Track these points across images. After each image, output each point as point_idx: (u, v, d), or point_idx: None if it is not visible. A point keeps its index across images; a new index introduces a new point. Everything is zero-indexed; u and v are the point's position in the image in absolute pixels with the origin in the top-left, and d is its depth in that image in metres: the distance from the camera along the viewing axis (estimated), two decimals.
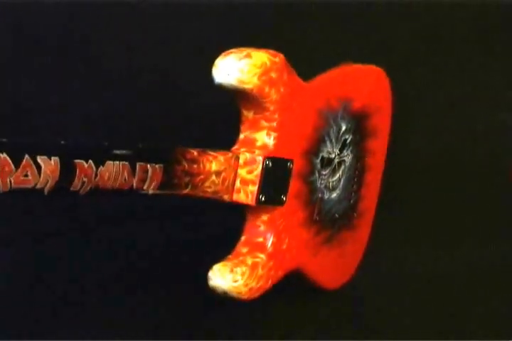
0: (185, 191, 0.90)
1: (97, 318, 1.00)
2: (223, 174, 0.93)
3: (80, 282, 1.07)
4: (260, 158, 0.94)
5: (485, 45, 1.18)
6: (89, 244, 1.17)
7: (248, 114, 0.95)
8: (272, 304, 1.03)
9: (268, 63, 0.91)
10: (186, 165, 0.89)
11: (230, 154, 0.94)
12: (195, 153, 0.90)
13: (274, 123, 0.95)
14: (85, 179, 0.78)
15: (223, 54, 0.91)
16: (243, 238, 0.99)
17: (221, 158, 0.93)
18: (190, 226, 1.25)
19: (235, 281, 0.93)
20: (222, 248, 1.02)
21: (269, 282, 0.97)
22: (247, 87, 0.90)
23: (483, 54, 1.19)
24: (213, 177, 0.92)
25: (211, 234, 1.21)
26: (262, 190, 0.94)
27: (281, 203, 0.97)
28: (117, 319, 1.00)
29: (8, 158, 0.72)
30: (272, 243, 0.98)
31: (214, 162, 0.92)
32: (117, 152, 0.82)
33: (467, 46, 1.19)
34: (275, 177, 0.96)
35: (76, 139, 0.80)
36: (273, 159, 0.95)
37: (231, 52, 0.91)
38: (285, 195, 0.98)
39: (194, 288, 1.04)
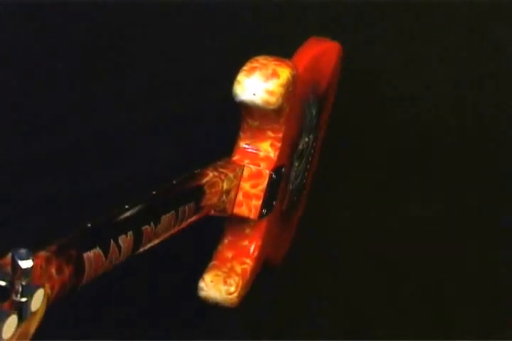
0: (202, 214, 0.85)
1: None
2: (231, 191, 0.89)
3: None
4: (267, 172, 0.90)
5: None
6: None
7: (253, 124, 0.90)
8: None
9: (290, 79, 0.86)
10: (208, 193, 0.84)
11: (238, 169, 0.89)
12: (211, 175, 0.85)
13: (280, 135, 0.91)
14: (148, 243, 0.72)
15: (247, 69, 0.84)
16: (226, 240, 0.96)
17: (231, 175, 0.88)
18: None
19: (230, 293, 0.92)
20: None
21: (251, 283, 0.97)
22: (272, 107, 0.85)
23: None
24: (224, 196, 0.88)
25: None
26: (264, 204, 0.91)
27: (273, 209, 0.95)
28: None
29: (101, 252, 0.64)
30: (257, 246, 0.96)
31: (225, 181, 0.87)
32: (165, 202, 0.76)
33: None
34: (274, 187, 0.93)
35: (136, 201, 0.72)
36: (275, 170, 0.92)
37: (256, 68, 0.84)
38: (276, 200, 0.95)
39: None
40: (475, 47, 1.28)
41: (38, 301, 0.51)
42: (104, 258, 0.64)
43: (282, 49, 1.19)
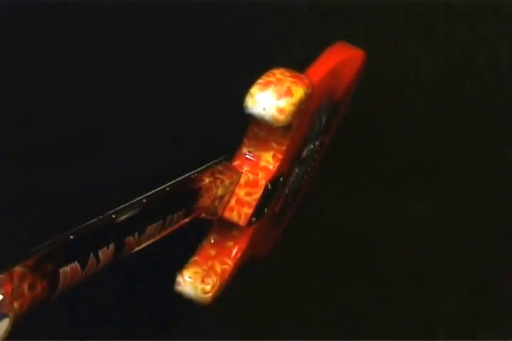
0: (191, 217, 0.85)
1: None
2: (225, 196, 0.89)
3: None
4: (263, 182, 0.90)
5: None
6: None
7: (259, 133, 0.90)
8: None
9: (304, 98, 0.85)
10: (201, 198, 0.84)
11: (235, 176, 0.89)
12: (207, 181, 0.85)
13: (284, 147, 0.91)
14: (128, 252, 0.73)
15: (261, 83, 0.84)
16: (212, 238, 0.96)
17: (227, 182, 0.88)
18: None
19: (205, 293, 0.93)
20: None
21: (227, 285, 0.98)
22: (280, 125, 0.84)
23: None
24: (216, 202, 0.88)
25: None
26: (255, 212, 0.92)
27: (263, 216, 0.95)
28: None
29: (78, 266, 0.65)
30: (240, 249, 0.96)
31: (220, 187, 0.87)
32: (155, 212, 0.76)
33: None
34: (268, 197, 0.93)
35: (122, 211, 0.72)
36: (272, 181, 0.92)
37: (270, 83, 0.84)
38: (268, 207, 0.96)
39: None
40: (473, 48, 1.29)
41: (1, 331, 0.52)
42: (80, 272, 0.65)
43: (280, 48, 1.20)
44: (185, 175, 0.84)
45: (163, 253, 1.00)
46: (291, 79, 0.84)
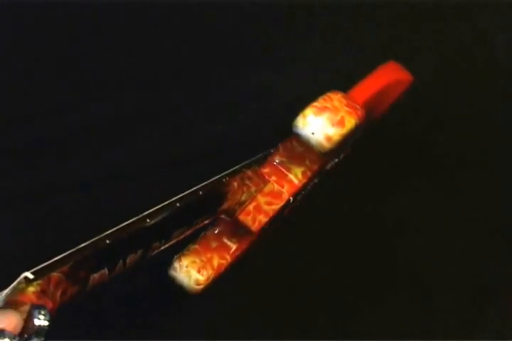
0: (211, 219, 0.86)
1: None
2: (246, 201, 0.89)
3: None
4: (286, 196, 0.91)
5: None
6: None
7: (297, 147, 0.90)
8: None
9: (353, 129, 0.85)
10: (225, 203, 0.84)
11: (262, 184, 0.89)
12: (235, 185, 0.85)
13: (316, 167, 0.91)
14: (150, 255, 0.73)
15: (317, 106, 0.83)
16: (217, 229, 0.96)
17: (253, 189, 0.88)
18: None
19: (198, 284, 0.93)
20: None
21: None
22: (323, 151, 0.84)
23: None
24: (237, 206, 0.88)
25: None
26: (270, 221, 0.92)
27: (274, 222, 0.96)
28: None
29: (107, 271, 0.66)
30: (241, 247, 0.97)
31: (246, 193, 0.87)
32: (184, 217, 0.77)
33: None
34: (285, 208, 0.94)
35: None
36: (294, 196, 0.92)
37: (326, 110, 0.83)
38: (281, 214, 0.96)
39: None
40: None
41: None
42: (107, 276, 0.66)
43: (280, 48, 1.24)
44: (216, 178, 0.83)
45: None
46: (347, 108, 0.84)
